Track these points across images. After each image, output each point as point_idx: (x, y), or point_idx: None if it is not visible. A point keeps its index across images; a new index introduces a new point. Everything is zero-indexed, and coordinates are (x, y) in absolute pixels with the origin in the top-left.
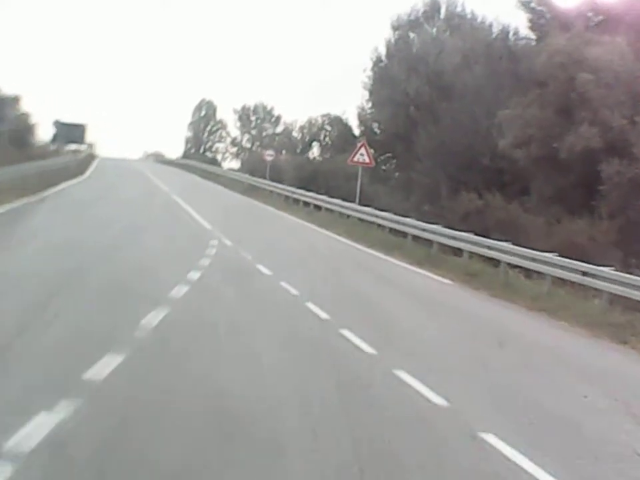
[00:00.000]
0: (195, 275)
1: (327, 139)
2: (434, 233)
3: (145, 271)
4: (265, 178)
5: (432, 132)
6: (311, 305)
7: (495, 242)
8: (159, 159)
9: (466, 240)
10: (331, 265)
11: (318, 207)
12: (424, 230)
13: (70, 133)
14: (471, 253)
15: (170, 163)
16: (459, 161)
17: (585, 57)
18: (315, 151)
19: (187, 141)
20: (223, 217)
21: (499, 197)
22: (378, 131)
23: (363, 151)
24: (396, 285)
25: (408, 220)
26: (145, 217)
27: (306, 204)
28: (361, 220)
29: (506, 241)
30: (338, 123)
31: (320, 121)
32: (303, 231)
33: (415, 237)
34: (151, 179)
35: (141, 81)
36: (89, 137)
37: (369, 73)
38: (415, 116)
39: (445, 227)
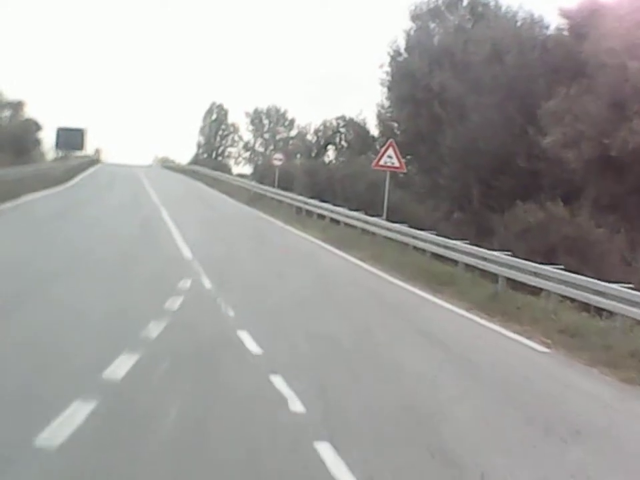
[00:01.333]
0: (121, 366)
1: (343, 141)
2: (500, 263)
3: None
4: (274, 185)
5: (459, 130)
6: (329, 450)
7: (606, 285)
8: (166, 164)
9: (551, 276)
10: (357, 320)
11: (335, 221)
12: (485, 259)
13: (69, 138)
14: (561, 297)
15: (176, 169)
16: (491, 163)
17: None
18: (330, 154)
19: (199, 146)
20: (214, 238)
21: (563, 208)
22: (398, 131)
23: (391, 152)
24: (472, 367)
25: (459, 244)
26: (107, 242)
27: (320, 216)
28: (389, 239)
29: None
30: (353, 125)
31: (335, 123)
32: (315, 255)
33: (469, 266)
34: (144, 188)
35: (151, 86)
36: (97, 142)
37: (387, 68)
38: (440, 113)
39: (510, 253)
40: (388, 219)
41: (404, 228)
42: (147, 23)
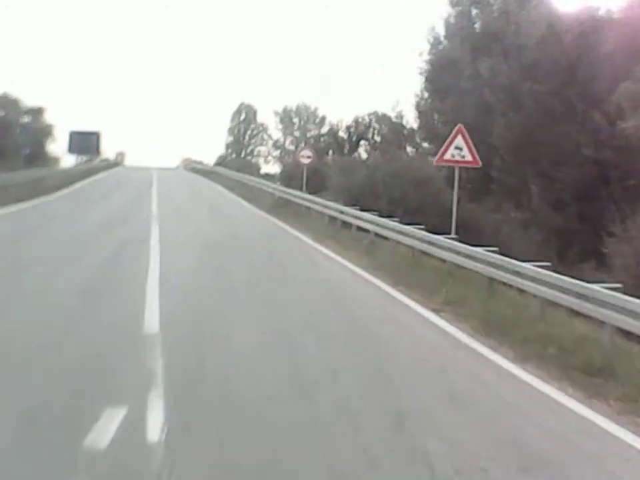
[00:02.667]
0: None
1: (376, 136)
2: None
3: None
4: (302, 188)
5: (512, 119)
6: None
7: None
8: (188, 166)
9: None
10: None
11: (382, 237)
12: None
13: (83, 142)
14: None
15: (199, 170)
16: (550, 154)
17: None
18: (362, 151)
19: (228, 146)
20: (210, 277)
21: None
22: (439, 123)
23: (459, 141)
24: None
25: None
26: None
27: (361, 229)
28: (459, 266)
29: None
30: (385, 120)
31: (367, 119)
32: (366, 306)
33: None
34: (149, 194)
35: (180, 87)
36: (122, 145)
37: (427, 57)
38: (491, 101)
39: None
40: (457, 237)
41: (497, 257)
42: (173, 24)
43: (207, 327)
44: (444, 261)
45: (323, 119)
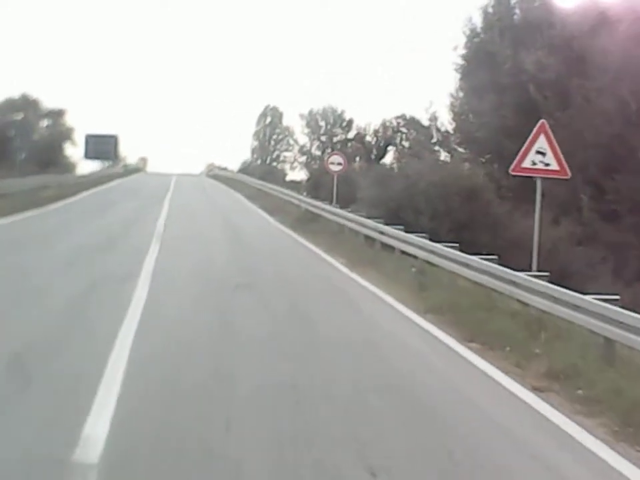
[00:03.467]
0: None
1: (404, 141)
2: None
3: None
4: (332, 200)
5: (559, 120)
6: None
7: None
8: (211, 172)
9: None
10: None
11: (431, 264)
12: None
13: (99, 146)
14: None
15: (221, 177)
16: (602, 159)
17: None
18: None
19: (253, 151)
20: (208, 334)
21: None
22: (476, 125)
23: (543, 143)
24: None
25: None
26: None
27: (404, 252)
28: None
29: None
30: (415, 125)
31: (394, 123)
32: (434, 383)
33: None
34: (159, 207)
35: (204, 91)
36: (144, 151)
37: (462, 51)
38: (537, 99)
39: None
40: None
41: (612, 309)
42: (197, 27)
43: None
44: (525, 304)
45: (350, 122)
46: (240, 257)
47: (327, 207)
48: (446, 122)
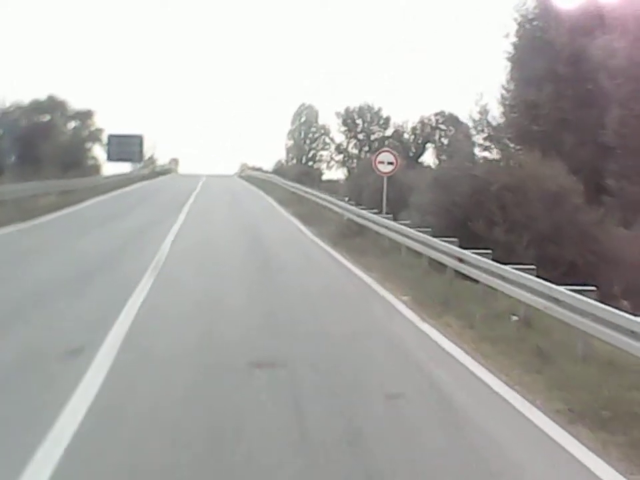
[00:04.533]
0: None
1: (443, 138)
2: None
3: None
4: (381, 209)
5: (636, 110)
6: None
7: None
8: (243, 173)
9: None
10: None
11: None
12: None
13: (123, 146)
14: None
15: (253, 178)
16: None
17: None
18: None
19: (288, 151)
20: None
21: None
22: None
23: None
24: None
25: None
26: None
27: (490, 288)
28: None
29: None
30: (453, 121)
31: (433, 119)
32: None
33: None
34: (178, 216)
35: (239, 90)
36: (176, 151)
37: (514, 39)
38: (608, 87)
39: None
40: None
41: None
42: (231, 25)
43: None
44: None
45: (388, 119)
46: (264, 297)
47: (376, 218)
48: (487, 116)
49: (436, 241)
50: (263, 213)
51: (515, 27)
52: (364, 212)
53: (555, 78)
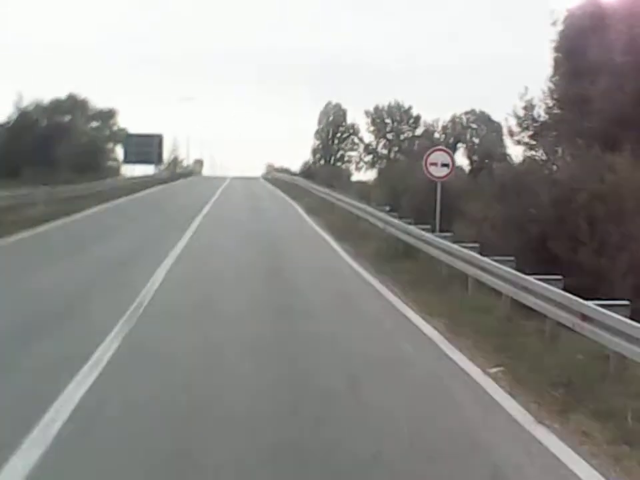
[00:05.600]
0: None
1: (474, 138)
2: None
3: None
4: (433, 227)
5: None
6: None
7: None
8: (268, 175)
9: None
10: None
11: None
12: None
13: (141, 147)
14: None
15: (278, 181)
16: None
17: None
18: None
19: (315, 151)
20: None
21: None
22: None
23: None
24: None
25: None
26: None
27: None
28: None
29: None
30: (484, 120)
31: (464, 118)
32: None
33: None
34: (185, 232)
35: (264, 89)
36: (198, 153)
37: (561, 27)
38: None
39: None
40: None
41: None
42: (256, 22)
43: None
44: None
45: (418, 118)
46: (283, 384)
47: (430, 237)
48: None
49: (532, 281)
50: (288, 226)
51: (563, 13)
52: (412, 229)
53: (611, 69)
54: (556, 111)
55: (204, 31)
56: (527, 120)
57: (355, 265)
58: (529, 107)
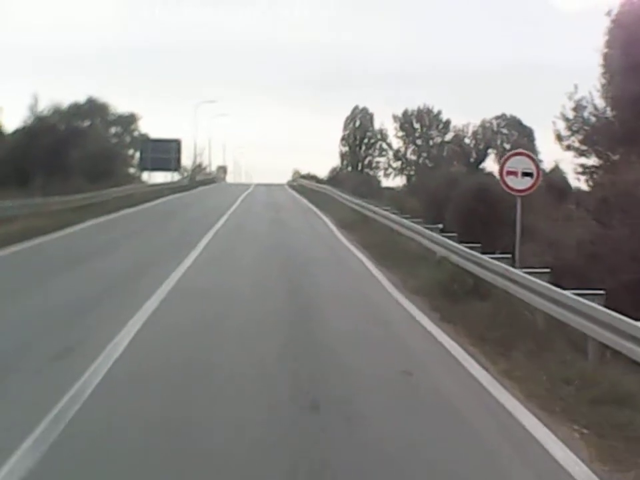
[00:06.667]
0: None
1: (505, 143)
2: None
3: None
4: (513, 257)
5: None
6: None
7: None
8: (294, 182)
9: None
10: None
11: None
12: None
13: (158, 153)
14: None
15: (305, 189)
16: None
17: None
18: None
19: (342, 157)
20: None
21: None
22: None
23: None
24: None
25: None
26: None
27: None
28: None
29: None
30: (515, 124)
31: (494, 123)
32: None
33: None
34: (184, 259)
35: (291, 95)
36: (220, 159)
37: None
38: None
39: None
40: None
41: None
42: (281, 24)
43: None
44: None
45: (447, 123)
46: None
47: (505, 268)
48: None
49: None
50: (316, 244)
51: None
52: (485, 259)
53: None
54: (609, 111)
55: (230, 34)
56: (576, 122)
57: (407, 304)
58: (580, 108)
